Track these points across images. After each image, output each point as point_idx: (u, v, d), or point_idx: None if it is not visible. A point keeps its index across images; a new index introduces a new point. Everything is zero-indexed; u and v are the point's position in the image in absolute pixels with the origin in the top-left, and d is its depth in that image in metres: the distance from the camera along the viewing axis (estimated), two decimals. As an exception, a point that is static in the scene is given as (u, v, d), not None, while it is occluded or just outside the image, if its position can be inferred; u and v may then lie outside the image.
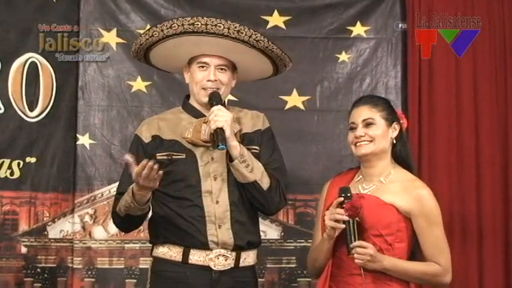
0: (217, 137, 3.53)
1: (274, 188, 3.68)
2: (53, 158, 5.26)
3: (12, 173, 5.19)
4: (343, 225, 3.39)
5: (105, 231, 5.29)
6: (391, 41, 5.51)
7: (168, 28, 3.65)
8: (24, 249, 5.22)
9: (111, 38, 5.37)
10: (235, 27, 3.65)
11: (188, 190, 3.61)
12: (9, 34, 5.23)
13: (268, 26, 5.42)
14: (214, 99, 3.64)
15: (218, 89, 3.69)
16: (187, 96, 3.84)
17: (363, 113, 3.55)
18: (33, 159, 5.23)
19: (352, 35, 5.51)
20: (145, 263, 5.26)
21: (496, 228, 5.30)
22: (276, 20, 5.45)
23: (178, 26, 3.63)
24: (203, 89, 3.69)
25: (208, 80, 3.68)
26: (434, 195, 3.51)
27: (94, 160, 5.32)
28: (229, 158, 3.60)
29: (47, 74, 5.27)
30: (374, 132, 3.52)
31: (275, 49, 3.76)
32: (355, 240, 3.37)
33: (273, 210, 3.80)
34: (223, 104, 3.66)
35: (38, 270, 5.22)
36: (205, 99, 3.68)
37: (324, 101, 5.46)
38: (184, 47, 3.70)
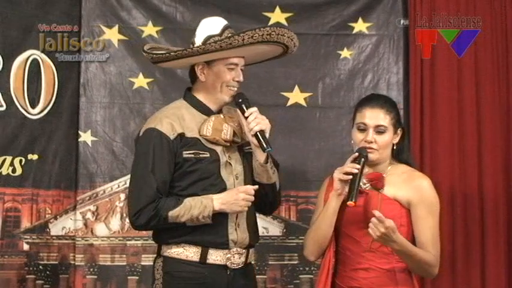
0: (262, 140, 3.57)
1: (281, 189, 3.81)
2: (55, 155, 5.26)
3: (14, 170, 5.19)
4: (351, 176, 3.42)
5: (107, 228, 5.29)
6: (393, 37, 5.50)
7: (249, 37, 3.63)
8: (26, 247, 5.22)
9: (112, 34, 5.37)
10: (292, 35, 3.77)
11: (211, 189, 3.62)
12: (11, 31, 5.22)
13: (270, 23, 5.40)
14: (245, 101, 3.67)
15: (239, 88, 3.73)
16: (189, 89, 3.82)
17: (378, 118, 3.54)
18: (35, 156, 5.23)
19: (354, 32, 5.50)
20: (147, 260, 5.26)
21: (498, 216, 5.31)
22: (277, 16, 5.44)
23: (239, 41, 3.63)
24: (227, 87, 3.69)
25: (237, 81, 3.71)
26: (434, 187, 3.52)
27: (96, 157, 5.32)
28: (255, 160, 3.65)
29: (48, 71, 5.26)
30: (383, 140, 3.53)
31: (297, 44, 3.86)
32: (357, 193, 3.39)
33: (275, 209, 3.93)
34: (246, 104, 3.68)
35: (40, 267, 5.22)
36: (229, 99, 3.70)
37: (326, 98, 5.46)
38: (229, 52, 3.69)
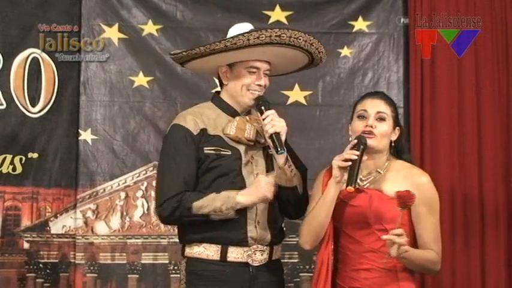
0: (276, 142, 3.57)
1: (304, 193, 3.77)
2: (55, 154, 5.27)
3: (14, 169, 5.19)
4: (350, 163, 3.41)
5: (107, 227, 5.30)
6: (393, 35, 5.50)
7: (255, 38, 3.60)
8: (26, 245, 5.22)
9: (113, 33, 5.37)
10: (310, 40, 3.71)
11: (231, 187, 3.61)
12: (11, 30, 5.23)
13: (270, 21, 5.41)
14: (264, 103, 3.66)
15: (261, 92, 3.72)
16: (218, 92, 3.83)
17: (380, 106, 3.54)
18: (35, 155, 5.23)
19: (354, 30, 5.50)
20: (147, 258, 5.27)
21: (498, 216, 5.31)
22: (277, 15, 5.45)
23: (266, 36, 3.61)
24: (249, 90, 3.69)
25: (258, 85, 3.70)
26: (434, 184, 3.51)
27: (96, 155, 5.32)
28: (272, 160, 3.66)
29: (48, 70, 5.27)
30: (383, 128, 3.52)
31: (324, 57, 3.84)
32: (357, 178, 3.39)
33: (301, 214, 3.82)
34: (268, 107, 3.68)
35: (41, 265, 5.22)
36: (250, 102, 3.70)
37: (326, 96, 5.46)
38: (244, 54, 3.68)
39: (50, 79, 5.27)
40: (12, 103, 5.21)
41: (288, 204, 3.72)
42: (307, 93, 5.46)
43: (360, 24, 5.50)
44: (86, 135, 5.33)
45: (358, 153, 3.41)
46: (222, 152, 3.64)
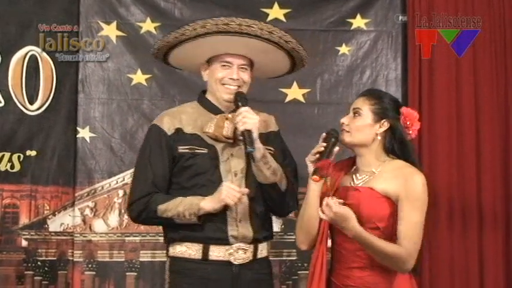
0: (246, 139, 3.54)
1: (290, 191, 3.74)
2: (53, 151, 5.27)
3: (12, 166, 5.19)
4: (318, 156, 3.44)
5: (105, 225, 5.30)
6: (391, 33, 5.51)
7: (201, 27, 3.61)
8: (24, 243, 5.22)
9: (111, 31, 5.37)
10: (268, 28, 3.67)
11: (209, 185, 3.60)
12: (9, 27, 5.23)
13: (269, 19, 5.41)
14: (241, 99, 3.64)
15: (239, 87, 3.70)
16: (204, 92, 3.83)
17: (357, 102, 3.56)
18: (33, 153, 5.23)
19: (352, 28, 5.51)
20: (145, 256, 5.27)
21: (496, 214, 5.32)
22: (276, 12, 5.45)
23: (212, 25, 3.61)
24: (223, 85, 3.68)
25: (231, 78, 3.68)
26: (428, 185, 3.48)
27: (94, 153, 5.32)
28: (253, 159, 3.61)
29: (47, 67, 5.27)
30: (356, 123, 3.52)
31: (301, 50, 3.79)
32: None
33: (286, 212, 3.86)
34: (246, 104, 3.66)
35: (39, 263, 5.22)
36: (226, 96, 3.68)
37: (324, 94, 5.46)
38: (210, 47, 3.69)
39: (48, 77, 5.27)
40: (10, 101, 5.21)
41: (272, 201, 3.70)
42: (305, 91, 5.46)
43: (358, 22, 5.51)
44: (84, 133, 5.33)
45: (325, 144, 3.44)
46: (196, 151, 3.63)
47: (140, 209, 3.62)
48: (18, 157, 5.20)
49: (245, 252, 3.64)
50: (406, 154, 3.55)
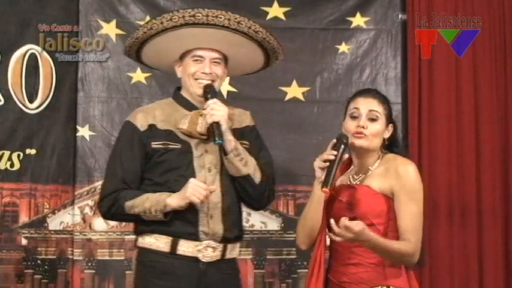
0: (214, 131, 3.53)
1: (265, 183, 3.71)
2: (53, 150, 5.27)
3: (12, 165, 5.19)
4: (328, 164, 3.37)
5: (105, 223, 5.29)
6: (391, 31, 5.51)
7: (168, 20, 3.62)
8: (24, 241, 5.22)
9: (110, 29, 5.37)
10: (236, 18, 3.65)
11: (181, 181, 3.58)
12: (8, 26, 5.22)
13: (268, 17, 5.42)
14: (210, 92, 3.63)
15: (213, 81, 3.68)
16: (179, 88, 3.83)
17: (372, 104, 3.51)
18: (33, 151, 5.23)
19: (352, 26, 5.51)
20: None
21: (495, 214, 5.32)
22: (275, 11, 5.45)
23: (179, 18, 3.61)
24: (196, 79, 3.68)
25: (203, 73, 3.67)
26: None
27: (94, 152, 5.32)
28: (224, 152, 3.60)
29: (46, 66, 5.27)
30: (374, 128, 3.50)
31: (272, 41, 3.78)
32: (333, 180, 3.35)
33: (262, 204, 3.84)
34: (217, 97, 3.65)
35: (38, 262, 5.22)
36: (199, 91, 3.67)
37: (324, 92, 5.46)
38: (180, 41, 3.67)
39: (48, 75, 5.27)
40: (10, 99, 5.21)
41: (246, 195, 3.69)
42: (305, 89, 5.46)
43: (358, 20, 5.51)
44: (83, 132, 5.33)
45: (335, 153, 3.38)
46: (170, 146, 3.62)
47: (109, 205, 3.62)
48: (18, 156, 5.20)
49: (214, 251, 3.62)
50: (396, 147, 3.57)
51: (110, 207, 3.64)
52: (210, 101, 3.58)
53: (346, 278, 3.46)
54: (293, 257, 5.35)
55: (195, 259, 3.59)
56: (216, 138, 3.52)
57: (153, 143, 3.63)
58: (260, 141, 3.82)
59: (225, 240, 3.64)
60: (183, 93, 3.77)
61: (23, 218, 5.23)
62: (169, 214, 3.55)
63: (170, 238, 3.59)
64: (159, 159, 3.60)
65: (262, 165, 3.71)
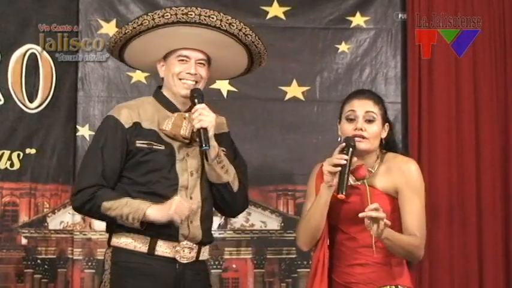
0: (201, 137, 3.51)
1: (241, 191, 3.72)
2: (53, 149, 5.27)
3: (12, 165, 5.19)
4: (339, 168, 3.39)
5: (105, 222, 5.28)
6: (391, 31, 5.51)
7: (159, 17, 3.59)
8: (24, 241, 5.22)
9: (110, 29, 5.37)
10: (228, 19, 3.63)
11: (163, 183, 3.58)
12: (8, 25, 5.22)
13: (268, 17, 5.41)
14: (198, 96, 3.60)
15: (197, 82, 3.66)
16: (160, 87, 3.81)
17: (367, 105, 3.53)
18: (33, 151, 5.23)
19: (351, 26, 5.50)
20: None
21: (495, 214, 5.32)
22: (275, 10, 5.45)
23: (171, 15, 3.58)
24: (180, 79, 3.65)
25: (188, 73, 3.65)
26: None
27: (94, 151, 5.31)
28: (206, 158, 3.59)
29: (46, 65, 5.27)
30: (372, 129, 3.51)
31: (259, 45, 3.75)
32: (347, 185, 3.37)
33: (238, 211, 3.87)
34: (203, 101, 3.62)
35: (38, 261, 5.22)
36: (184, 92, 3.65)
37: (324, 92, 5.46)
38: (166, 39, 3.65)
39: (48, 75, 5.27)
40: (10, 99, 5.21)
41: (223, 202, 3.69)
42: (304, 88, 5.46)
43: (358, 20, 5.51)
44: (83, 131, 5.33)
45: (347, 157, 3.39)
46: (154, 147, 3.59)
47: (84, 200, 3.56)
48: (18, 155, 5.20)
49: (190, 252, 3.61)
50: (393, 147, 3.59)
51: (84, 203, 3.56)
52: (199, 106, 3.56)
53: (353, 278, 3.47)
54: (293, 256, 5.35)
55: (173, 260, 3.58)
56: (203, 144, 3.50)
57: (137, 141, 3.59)
58: (234, 148, 3.82)
59: (201, 243, 3.65)
60: (165, 92, 3.74)
61: (23, 218, 5.23)
62: (145, 224, 3.51)
63: (148, 238, 3.56)
64: (142, 158, 3.57)
65: (238, 173, 3.71)
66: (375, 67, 5.50)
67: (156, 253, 3.57)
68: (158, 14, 3.58)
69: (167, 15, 3.58)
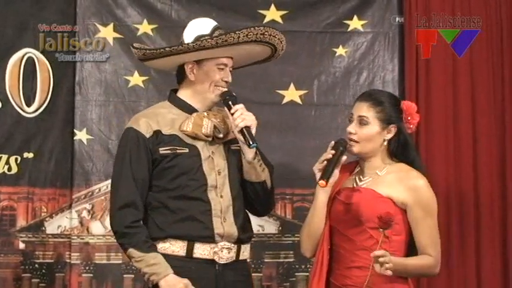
0: (247, 135, 3.56)
1: (273, 189, 3.79)
2: (51, 154, 5.26)
3: (9, 169, 5.19)
4: (326, 163, 3.46)
5: (102, 227, 5.29)
6: (388, 34, 5.51)
7: (223, 41, 3.63)
8: (22, 245, 5.22)
9: (108, 33, 5.37)
10: (274, 32, 3.74)
11: (192, 184, 3.61)
12: (6, 29, 5.22)
13: (265, 20, 5.41)
14: (231, 98, 3.66)
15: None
16: (174, 90, 3.82)
17: (361, 109, 3.55)
18: (30, 155, 5.23)
19: (349, 29, 5.50)
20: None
21: (493, 212, 5.32)
22: (273, 14, 5.45)
23: (234, 39, 3.64)
24: (216, 86, 3.69)
25: (225, 81, 3.71)
26: (431, 186, 3.51)
27: (91, 155, 5.32)
28: (248, 156, 3.64)
29: (44, 69, 5.26)
30: (365, 132, 3.52)
31: (284, 46, 3.85)
32: (330, 174, 3.43)
33: (270, 210, 3.94)
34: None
35: (36, 265, 5.22)
36: (216, 98, 3.70)
37: (321, 95, 5.46)
38: (214, 52, 3.69)
39: (45, 79, 5.27)
40: (7, 103, 5.21)
41: (257, 200, 3.72)
42: (302, 92, 5.46)
43: (355, 23, 5.51)
44: (81, 135, 5.32)
45: (333, 152, 3.44)
46: (178, 151, 3.62)
47: (120, 232, 3.61)
48: (16, 159, 5.20)
49: (229, 252, 3.64)
50: (408, 156, 3.57)
51: (119, 235, 3.62)
52: (238, 106, 3.62)
53: (350, 281, 3.47)
54: (291, 260, 5.34)
55: (212, 261, 3.61)
56: (251, 143, 3.55)
57: (160, 149, 3.63)
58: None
59: (239, 241, 3.67)
60: (184, 96, 3.76)
61: (21, 222, 5.23)
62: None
63: (185, 242, 3.60)
64: (167, 164, 3.60)
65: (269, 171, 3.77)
66: (372, 70, 5.50)
67: (194, 256, 3.60)
68: (222, 39, 3.63)
69: (230, 40, 3.64)
